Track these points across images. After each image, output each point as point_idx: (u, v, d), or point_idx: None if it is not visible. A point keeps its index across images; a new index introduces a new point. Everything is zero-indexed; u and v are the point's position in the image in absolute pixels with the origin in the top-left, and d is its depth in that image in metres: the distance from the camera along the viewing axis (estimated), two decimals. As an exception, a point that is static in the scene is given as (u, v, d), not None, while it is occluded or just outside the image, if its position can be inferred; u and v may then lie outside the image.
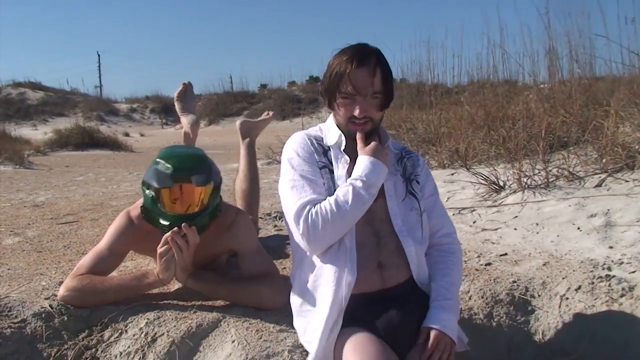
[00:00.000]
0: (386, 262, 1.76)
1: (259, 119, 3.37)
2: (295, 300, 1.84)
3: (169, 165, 1.96)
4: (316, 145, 1.86)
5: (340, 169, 1.80)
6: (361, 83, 1.72)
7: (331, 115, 1.90)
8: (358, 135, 1.79)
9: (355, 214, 1.69)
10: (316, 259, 1.76)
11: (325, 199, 1.70)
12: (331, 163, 1.82)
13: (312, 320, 1.74)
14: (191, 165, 1.99)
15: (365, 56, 1.74)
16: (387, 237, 1.78)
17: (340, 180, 1.77)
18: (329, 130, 1.89)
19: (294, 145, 1.85)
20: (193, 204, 2.05)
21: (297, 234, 1.70)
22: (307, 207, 1.68)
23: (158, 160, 2.00)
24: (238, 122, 3.22)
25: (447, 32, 12.44)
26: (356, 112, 1.75)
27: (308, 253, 1.77)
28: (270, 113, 3.46)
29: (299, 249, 1.81)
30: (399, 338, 1.70)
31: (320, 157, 1.83)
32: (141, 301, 2.10)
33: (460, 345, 1.80)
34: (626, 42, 5.75)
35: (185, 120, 3.16)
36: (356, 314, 1.69)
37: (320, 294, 1.73)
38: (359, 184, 1.69)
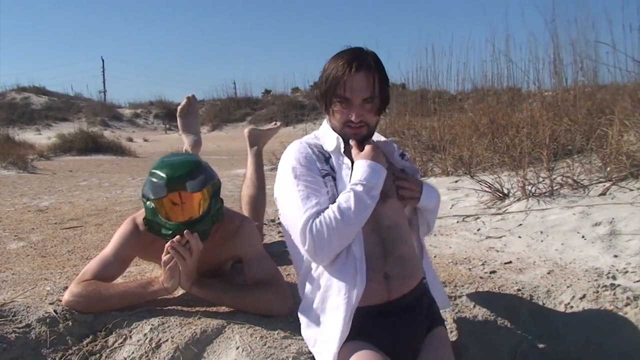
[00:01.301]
0: (391, 272, 1.74)
1: (267, 127, 3.38)
2: (304, 311, 1.81)
3: (162, 175, 1.95)
4: (317, 152, 1.82)
5: (343, 175, 1.76)
6: (358, 88, 1.71)
7: (325, 121, 1.88)
8: (352, 142, 1.78)
9: (359, 220, 1.66)
10: (324, 270, 1.73)
11: (329, 208, 1.66)
12: (334, 170, 1.79)
13: (324, 331, 1.71)
14: (184, 172, 1.97)
15: (362, 61, 1.72)
16: (392, 246, 1.76)
17: (343, 186, 1.73)
18: (326, 135, 1.86)
19: (295, 154, 1.80)
20: (193, 211, 2.05)
21: (303, 247, 1.67)
22: (312, 219, 1.64)
23: (153, 171, 2.00)
24: (246, 130, 3.22)
25: (452, 39, 12.40)
26: (352, 117, 1.73)
27: (313, 265, 1.76)
28: (278, 123, 3.48)
29: (302, 261, 1.79)
30: (403, 350, 1.70)
31: (322, 164, 1.79)
32: (145, 307, 2.09)
33: (444, 302, 2.00)
34: (631, 50, 5.78)
35: (187, 141, 3.16)
36: (362, 327, 1.67)
37: (331, 306, 1.70)
38: (359, 188, 1.66)
